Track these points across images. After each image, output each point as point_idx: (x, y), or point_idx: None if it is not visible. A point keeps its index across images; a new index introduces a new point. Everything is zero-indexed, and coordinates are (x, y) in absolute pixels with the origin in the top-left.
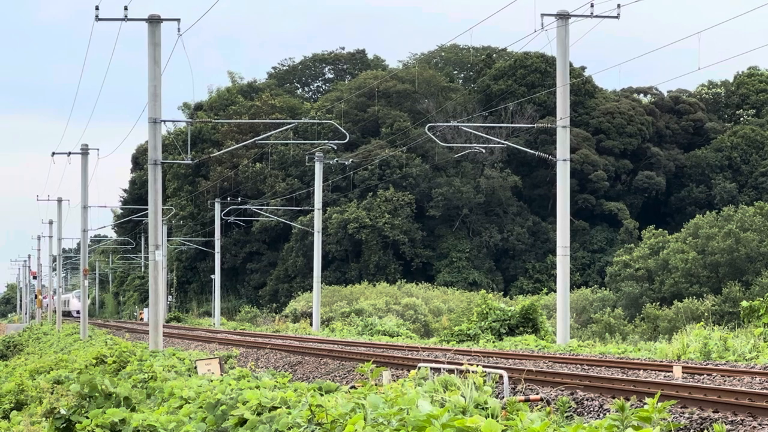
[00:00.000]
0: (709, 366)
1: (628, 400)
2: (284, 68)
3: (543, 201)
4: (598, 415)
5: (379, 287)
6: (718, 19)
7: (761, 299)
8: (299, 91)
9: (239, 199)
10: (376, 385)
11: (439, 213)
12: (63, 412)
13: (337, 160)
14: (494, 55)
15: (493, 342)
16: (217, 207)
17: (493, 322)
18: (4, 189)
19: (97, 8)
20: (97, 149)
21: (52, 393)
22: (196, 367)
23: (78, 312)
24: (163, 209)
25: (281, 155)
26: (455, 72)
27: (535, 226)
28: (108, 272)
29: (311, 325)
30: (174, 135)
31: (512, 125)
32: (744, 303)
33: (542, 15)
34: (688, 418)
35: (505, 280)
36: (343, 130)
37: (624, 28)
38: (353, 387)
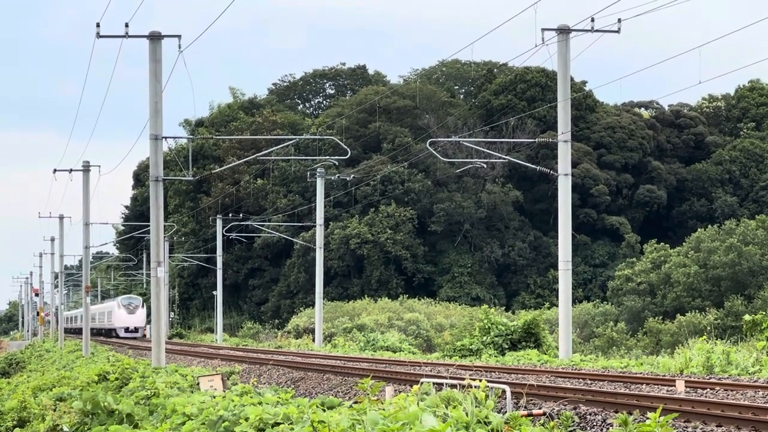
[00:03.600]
0: (711, 380)
1: (631, 414)
2: (285, 84)
3: (544, 216)
4: (601, 430)
5: (381, 303)
6: (719, 32)
7: (764, 313)
8: (300, 107)
9: (241, 215)
10: (378, 400)
11: (441, 228)
12: (66, 429)
13: (338, 176)
14: (495, 70)
15: (496, 357)
16: (219, 223)
17: (496, 336)
18: (6, 206)
19: (98, 25)
20: (99, 166)
21: (54, 410)
22: (198, 384)
23: (130, 330)
24: (164, 226)
25: (282, 171)
26: (456, 87)
27: (536, 241)
28: (110, 289)
29: (313, 340)
30: (175, 151)
31: (513, 140)
32: (746, 317)
33: (543, 30)
34: None
35: (507, 295)
36: (344, 146)
37: (625, 42)
38: (356, 402)
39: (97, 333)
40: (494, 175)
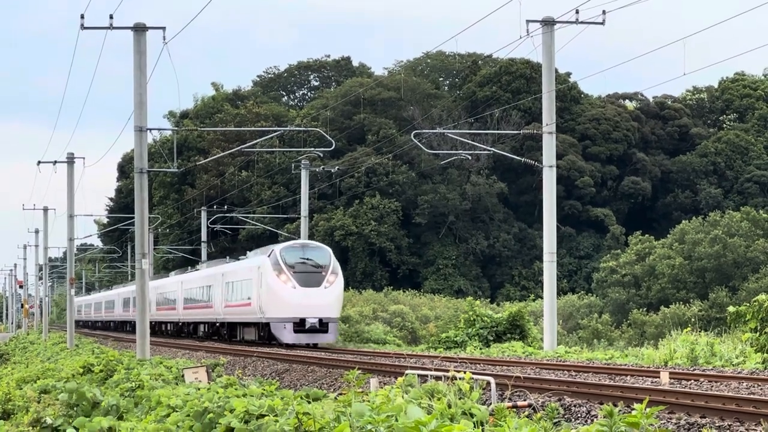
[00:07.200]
0: (696, 371)
1: (616, 405)
2: (270, 76)
3: (529, 207)
4: (586, 421)
5: (365, 294)
6: (703, 24)
7: (748, 304)
8: (285, 99)
9: (225, 207)
10: (363, 392)
11: (426, 220)
12: (50, 421)
13: (323, 168)
14: (480, 62)
15: (481, 349)
16: (204, 215)
17: (480, 328)
18: None
19: (82, 17)
20: (83, 158)
21: (38, 402)
22: (183, 376)
23: (309, 327)
24: (149, 217)
25: (267, 163)
26: (441, 79)
27: (521, 233)
28: (95, 281)
29: None
30: (160, 143)
31: (498, 132)
32: (731, 308)
33: (527, 21)
34: (675, 423)
35: (491, 287)
36: (329, 138)
37: (609, 34)
38: (341, 394)
39: (210, 331)
40: (479, 167)
